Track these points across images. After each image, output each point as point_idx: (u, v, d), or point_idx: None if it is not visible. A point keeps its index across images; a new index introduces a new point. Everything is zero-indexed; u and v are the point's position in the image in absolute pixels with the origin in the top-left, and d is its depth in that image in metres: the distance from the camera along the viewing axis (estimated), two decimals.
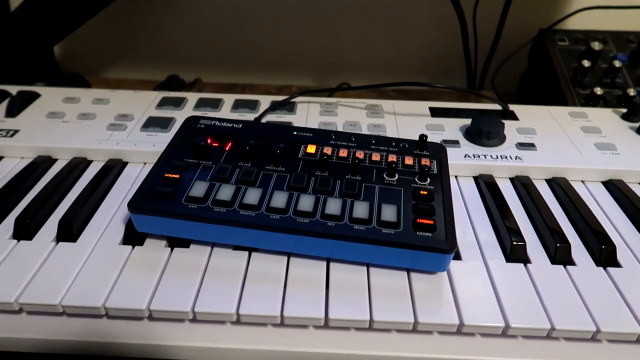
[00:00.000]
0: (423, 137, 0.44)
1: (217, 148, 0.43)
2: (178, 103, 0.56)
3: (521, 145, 0.50)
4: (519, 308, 0.34)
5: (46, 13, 0.67)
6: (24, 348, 0.34)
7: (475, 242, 0.40)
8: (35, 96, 0.57)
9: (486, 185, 0.46)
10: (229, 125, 0.46)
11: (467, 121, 0.53)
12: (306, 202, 0.37)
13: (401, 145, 0.44)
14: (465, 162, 0.47)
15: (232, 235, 0.36)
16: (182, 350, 0.33)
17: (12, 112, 0.53)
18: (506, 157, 0.48)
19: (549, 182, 0.48)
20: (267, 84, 0.85)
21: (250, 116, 0.54)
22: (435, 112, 0.56)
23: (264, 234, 0.36)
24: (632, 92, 0.62)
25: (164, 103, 0.57)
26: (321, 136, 0.45)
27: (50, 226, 0.40)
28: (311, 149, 0.43)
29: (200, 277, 0.35)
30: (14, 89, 0.58)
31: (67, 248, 0.38)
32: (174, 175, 0.39)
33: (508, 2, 0.70)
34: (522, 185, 0.46)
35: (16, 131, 0.50)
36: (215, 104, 0.57)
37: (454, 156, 0.47)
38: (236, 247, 0.38)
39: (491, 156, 0.48)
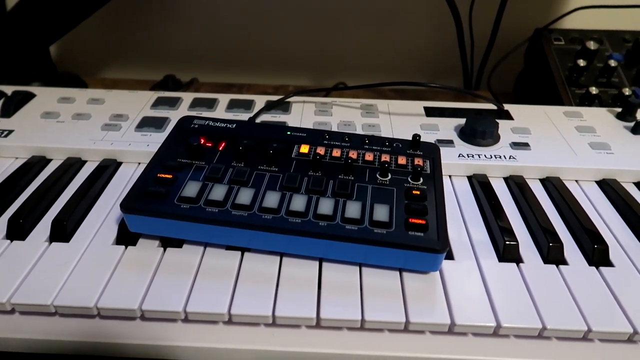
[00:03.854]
0: (416, 136, 0.44)
1: (210, 148, 0.43)
2: (173, 103, 0.56)
3: (515, 145, 0.50)
4: (511, 307, 0.34)
5: (42, 13, 0.67)
6: (16, 348, 0.34)
7: (468, 241, 0.40)
8: (30, 96, 0.57)
9: (480, 185, 0.46)
10: (222, 125, 0.46)
11: (462, 121, 0.53)
12: (299, 202, 0.37)
13: (394, 145, 0.44)
14: (459, 161, 0.47)
15: (225, 235, 0.37)
16: (174, 350, 0.33)
17: (6, 112, 0.53)
18: (500, 157, 0.48)
19: (543, 181, 0.48)
20: (264, 83, 0.85)
21: (245, 116, 0.54)
22: (430, 112, 0.56)
23: (256, 234, 0.36)
24: (627, 91, 0.62)
25: (158, 103, 0.57)
26: (314, 136, 0.45)
27: (44, 226, 0.40)
28: (304, 149, 0.43)
29: (193, 277, 0.35)
30: (9, 89, 0.58)
31: (60, 248, 0.38)
32: (167, 176, 0.39)
33: (504, 2, 0.70)
34: (516, 184, 0.46)
35: (10, 131, 0.50)
36: (210, 103, 0.57)
37: (448, 156, 0.47)
38: (229, 247, 0.38)
39: (485, 156, 0.48)
